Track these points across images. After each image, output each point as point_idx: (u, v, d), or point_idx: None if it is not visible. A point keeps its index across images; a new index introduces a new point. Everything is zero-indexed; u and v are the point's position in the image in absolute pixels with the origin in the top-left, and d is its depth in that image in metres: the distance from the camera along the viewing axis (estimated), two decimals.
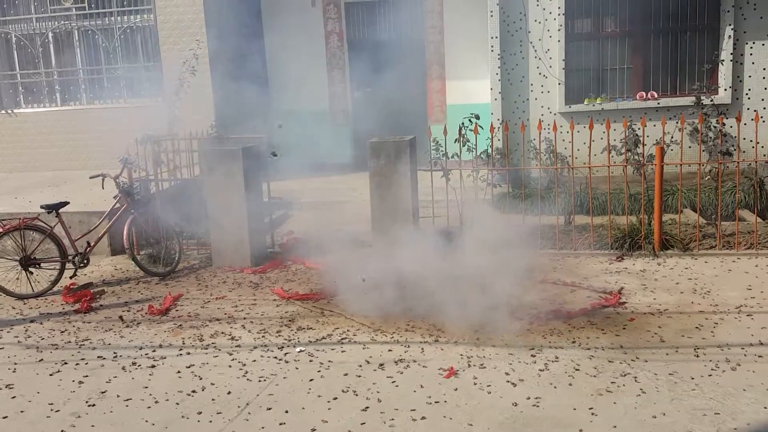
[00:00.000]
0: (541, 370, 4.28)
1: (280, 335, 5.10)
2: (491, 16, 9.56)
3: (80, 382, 4.46)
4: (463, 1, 10.79)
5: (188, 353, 4.86)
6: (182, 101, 9.27)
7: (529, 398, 3.94)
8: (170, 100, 9.00)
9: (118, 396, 4.24)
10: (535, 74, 9.76)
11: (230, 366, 4.60)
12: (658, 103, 9.59)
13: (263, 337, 5.09)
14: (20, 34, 11.40)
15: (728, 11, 9.36)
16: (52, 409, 4.11)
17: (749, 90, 9.48)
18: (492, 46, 9.62)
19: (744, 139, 7.38)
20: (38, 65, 11.46)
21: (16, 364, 4.83)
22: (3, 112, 11.40)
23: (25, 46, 11.43)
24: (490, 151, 7.76)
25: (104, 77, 11.25)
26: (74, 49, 11.27)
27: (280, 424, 3.80)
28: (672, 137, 8.60)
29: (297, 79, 11.46)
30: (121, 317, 5.67)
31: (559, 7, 9.51)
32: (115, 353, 4.93)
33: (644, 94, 9.78)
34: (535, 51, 9.69)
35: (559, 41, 9.62)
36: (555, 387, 4.06)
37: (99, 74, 11.28)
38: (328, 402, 4.02)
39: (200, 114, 9.90)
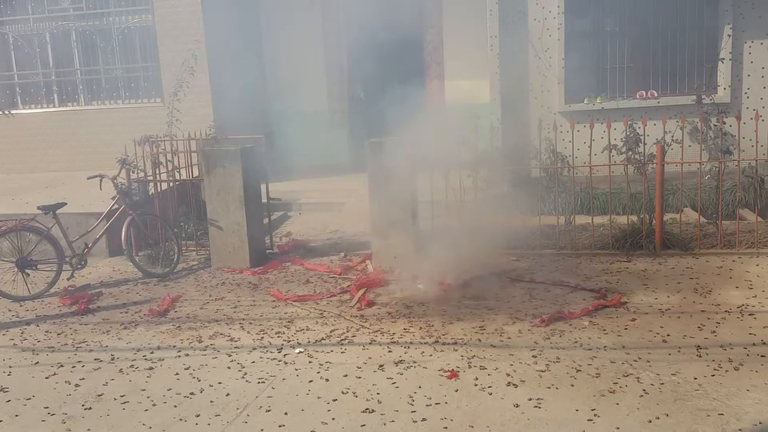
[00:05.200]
0: (542, 371, 4.24)
1: (279, 336, 5.06)
2: (490, 14, 9.53)
3: (76, 385, 4.42)
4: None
5: (186, 355, 4.82)
6: (181, 102, 9.23)
7: (530, 399, 3.90)
8: (169, 101, 8.96)
9: (115, 399, 4.20)
10: (534, 74, 9.72)
11: (229, 367, 4.56)
12: (659, 102, 9.55)
13: (262, 338, 5.05)
14: (18, 35, 11.36)
15: (727, 10, 9.33)
16: (47, 413, 4.06)
17: (748, 89, 9.45)
18: (491, 46, 9.58)
19: (744, 138, 7.35)
20: (36, 66, 11.42)
21: (11, 367, 4.78)
22: (0, 112, 11.35)
23: (22, 46, 11.39)
24: (489, 151, 7.71)
25: (102, 78, 11.21)
26: (72, 50, 11.22)
27: (280, 426, 3.76)
28: (672, 136, 8.56)
29: (295, 79, 11.43)
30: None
31: (558, 6, 9.48)
32: (112, 355, 4.89)
33: (644, 93, 9.74)
34: (535, 50, 9.65)
35: (558, 40, 9.58)
36: (557, 388, 4.02)
37: (97, 75, 11.23)
38: (328, 403, 3.98)
39: (199, 115, 9.87)
